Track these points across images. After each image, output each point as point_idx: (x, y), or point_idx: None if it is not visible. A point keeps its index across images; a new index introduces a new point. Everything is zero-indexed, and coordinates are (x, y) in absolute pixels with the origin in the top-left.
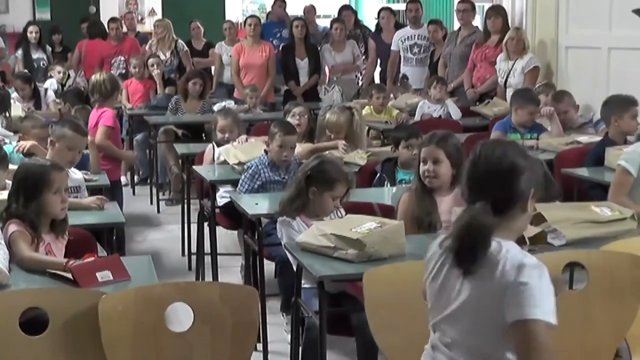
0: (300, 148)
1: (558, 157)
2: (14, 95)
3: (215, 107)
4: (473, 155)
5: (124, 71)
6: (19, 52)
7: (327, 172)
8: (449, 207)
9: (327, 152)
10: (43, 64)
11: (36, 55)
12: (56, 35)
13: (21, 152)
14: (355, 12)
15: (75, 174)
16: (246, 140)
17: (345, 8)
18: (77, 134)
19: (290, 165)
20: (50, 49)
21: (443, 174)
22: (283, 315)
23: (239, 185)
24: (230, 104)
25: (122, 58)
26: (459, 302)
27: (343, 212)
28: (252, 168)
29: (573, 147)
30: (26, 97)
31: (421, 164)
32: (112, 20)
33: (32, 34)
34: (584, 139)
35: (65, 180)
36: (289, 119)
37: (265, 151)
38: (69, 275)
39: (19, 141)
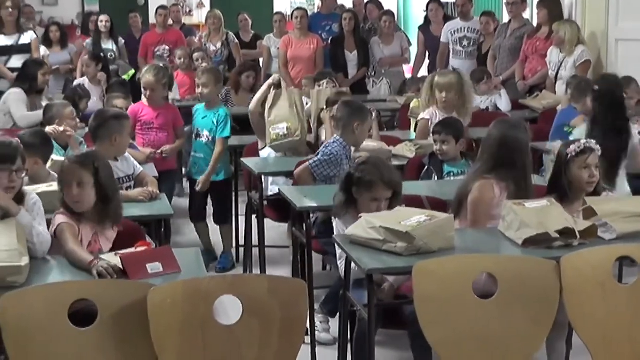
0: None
1: None
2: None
3: None
4: None
5: (167, 61)
6: (88, 41)
7: (364, 172)
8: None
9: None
10: (111, 56)
11: (106, 46)
12: None
13: (52, 132)
14: (381, 6)
15: (124, 165)
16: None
17: (371, 2)
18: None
19: None
20: (123, 41)
21: None
22: (318, 314)
23: (313, 163)
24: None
25: (167, 47)
26: None
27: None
28: (335, 155)
29: None
30: (90, 75)
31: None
32: (162, 7)
33: (103, 22)
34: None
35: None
36: None
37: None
38: (119, 264)
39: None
